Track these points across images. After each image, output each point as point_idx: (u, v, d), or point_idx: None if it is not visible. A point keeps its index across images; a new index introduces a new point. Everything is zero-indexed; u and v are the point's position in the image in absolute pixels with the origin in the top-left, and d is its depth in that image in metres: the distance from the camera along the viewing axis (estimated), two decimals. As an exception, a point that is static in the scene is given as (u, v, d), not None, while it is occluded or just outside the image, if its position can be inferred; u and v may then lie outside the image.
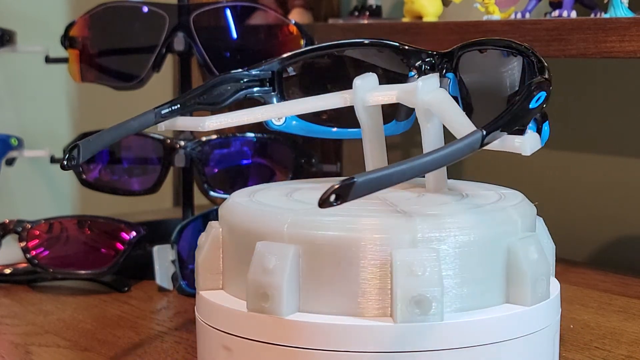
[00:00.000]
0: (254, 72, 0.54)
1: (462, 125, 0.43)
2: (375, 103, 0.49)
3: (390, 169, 0.37)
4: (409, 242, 0.41)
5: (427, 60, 0.50)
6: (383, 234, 0.41)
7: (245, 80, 0.54)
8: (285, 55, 0.54)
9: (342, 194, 0.36)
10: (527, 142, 0.42)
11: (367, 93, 0.49)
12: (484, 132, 0.40)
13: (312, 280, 0.41)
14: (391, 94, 0.48)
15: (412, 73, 0.50)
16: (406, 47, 0.51)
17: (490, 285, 0.42)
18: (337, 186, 0.36)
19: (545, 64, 0.44)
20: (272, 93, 0.54)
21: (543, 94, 0.42)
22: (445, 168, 0.47)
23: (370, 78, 0.49)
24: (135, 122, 0.50)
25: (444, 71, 0.49)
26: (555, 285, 0.46)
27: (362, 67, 0.53)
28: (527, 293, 0.42)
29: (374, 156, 0.50)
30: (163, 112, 0.51)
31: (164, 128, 0.51)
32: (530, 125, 0.42)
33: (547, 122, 0.43)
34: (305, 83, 0.54)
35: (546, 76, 0.43)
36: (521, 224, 0.44)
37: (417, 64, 0.50)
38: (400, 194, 0.47)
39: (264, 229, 0.43)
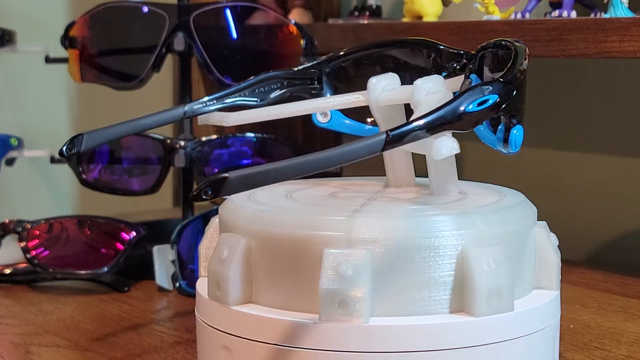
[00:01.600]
0: (300, 70, 0.54)
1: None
2: (387, 103, 0.49)
3: (267, 167, 0.38)
4: (346, 242, 0.41)
5: (459, 60, 0.50)
6: (317, 231, 0.41)
7: (291, 78, 0.54)
8: (332, 54, 0.54)
9: (215, 189, 0.36)
10: (439, 147, 0.41)
11: (381, 93, 0.48)
12: (389, 135, 0.39)
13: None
14: (401, 94, 0.48)
15: (444, 73, 0.50)
16: (441, 47, 0.51)
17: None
18: (210, 181, 0.36)
19: (521, 64, 0.43)
20: (320, 91, 0.54)
21: (492, 97, 0.41)
22: (450, 169, 0.46)
23: (389, 78, 0.49)
24: (165, 115, 0.50)
25: (468, 72, 0.49)
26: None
27: (402, 66, 0.52)
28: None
29: (393, 159, 0.50)
30: (195, 107, 0.51)
31: (200, 123, 0.52)
32: (499, 127, 0.42)
33: (518, 127, 0.42)
34: (350, 81, 0.55)
35: (505, 79, 0.42)
36: (485, 230, 0.43)
37: (448, 64, 0.50)
38: (402, 194, 0.48)
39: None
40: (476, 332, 0.41)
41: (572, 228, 0.81)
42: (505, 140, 0.42)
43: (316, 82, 0.54)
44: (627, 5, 0.63)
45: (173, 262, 0.65)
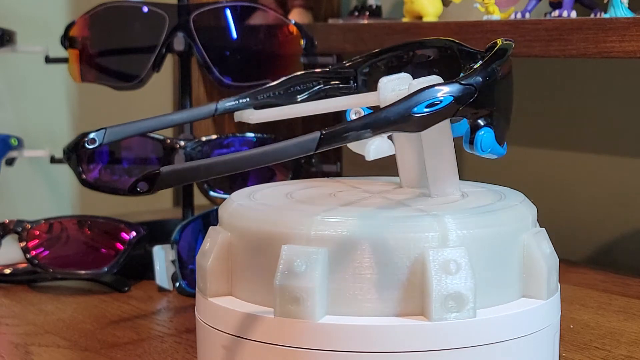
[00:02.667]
0: (335, 69, 0.54)
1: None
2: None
3: (198, 162, 0.38)
4: (305, 239, 0.41)
5: (475, 60, 0.49)
6: (279, 228, 0.42)
7: (326, 77, 0.54)
8: (367, 53, 0.54)
9: (149, 183, 0.38)
10: (369, 148, 0.41)
11: (390, 92, 0.48)
12: (322, 134, 0.39)
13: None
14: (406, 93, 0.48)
15: (462, 74, 0.50)
16: (463, 48, 0.50)
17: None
18: (144, 175, 0.37)
19: (493, 66, 0.43)
20: (355, 90, 0.54)
21: (447, 99, 0.41)
22: (448, 170, 0.46)
23: (399, 78, 0.48)
24: (196, 111, 0.51)
25: None
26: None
27: (429, 66, 0.52)
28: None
29: (403, 159, 0.49)
30: (227, 104, 0.51)
31: (236, 119, 0.53)
32: (466, 129, 0.42)
33: (486, 129, 0.42)
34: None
35: (465, 80, 0.42)
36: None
37: (468, 65, 0.50)
38: (397, 195, 0.48)
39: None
40: (475, 332, 0.41)
41: (572, 228, 0.81)
42: (471, 142, 0.42)
43: (351, 81, 0.54)
44: (627, 5, 0.63)
45: (173, 262, 0.65)
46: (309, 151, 0.39)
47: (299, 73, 0.54)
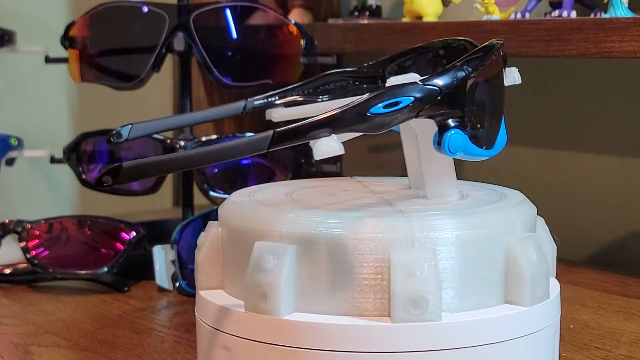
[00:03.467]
0: (363, 68, 0.54)
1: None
2: None
3: (157, 158, 0.40)
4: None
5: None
6: (255, 224, 0.43)
7: (354, 76, 0.54)
8: (396, 53, 0.54)
9: (112, 177, 0.39)
10: (316, 148, 0.40)
11: None
12: (275, 133, 0.39)
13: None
14: None
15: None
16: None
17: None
18: (109, 169, 0.39)
19: (462, 67, 0.42)
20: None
21: (406, 100, 0.41)
22: (445, 171, 0.46)
23: (407, 78, 0.48)
24: (223, 109, 0.51)
25: None
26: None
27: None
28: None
29: (411, 160, 0.49)
30: (255, 102, 0.51)
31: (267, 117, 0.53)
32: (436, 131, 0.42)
33: (456, 131, 0.42)
34: None
35: (428, 81, 0.41)
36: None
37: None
38: (399, 196, 0.48)
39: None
40: (475, 332, 0.41)
41: (572, 228, 0.81)
42: (439, 144, 0.42)
43: (379, 80, 0.54)
44: (627, 5, 0.63)
45: (173, 262, 0.65)
46: (262, 149, 0.40)
47: (328, 72, 0.53)
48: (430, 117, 0.41)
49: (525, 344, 0.42)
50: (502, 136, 0.45)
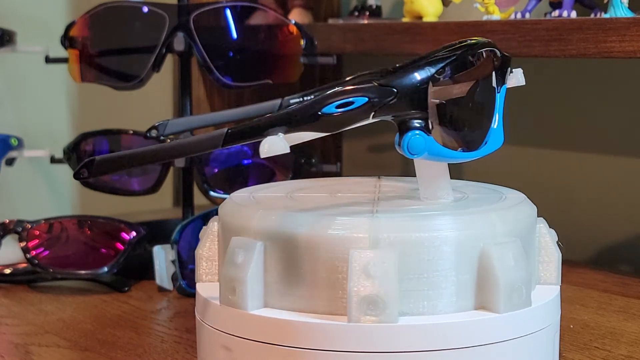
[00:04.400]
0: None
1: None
2: None
3: (123, 153, 0.43)
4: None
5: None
6: (235, 220, 0.44)
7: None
8: (424, 54, 0.53)
9: (88, 170, 0.42)
10: (264, 146, 0.41)
11: None
12: (228, 131, 0.40)
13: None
14: None
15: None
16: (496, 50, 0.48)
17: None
18: (84, 163, 0.42)
19: (423, 68, 0.42)
20: None
21: (359, 100, 0.41)
22: (438, 174, 0.46)
23: None
24: (259, 107, 0.51)
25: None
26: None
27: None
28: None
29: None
30: (291, 100, 0.52)
31: None
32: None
33: (417, 132, 0.41)
34: None
35: (384, 82, 0.41)
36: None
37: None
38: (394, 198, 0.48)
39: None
40: (475, 332, 0.41)
41: (572, 228, 0.81)
42: (398, 145, 0.42)
43: None
44: (627, 5, 0.63)
45: (173, 262, 0.65)
46: (217, 146, 0.41)
47: (360, 74, 0.53)
48: (389, 118, 0.41)
49: (525, 344, 0.42)
50: (495, 137, 0.44)
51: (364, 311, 0.40)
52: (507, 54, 0.45)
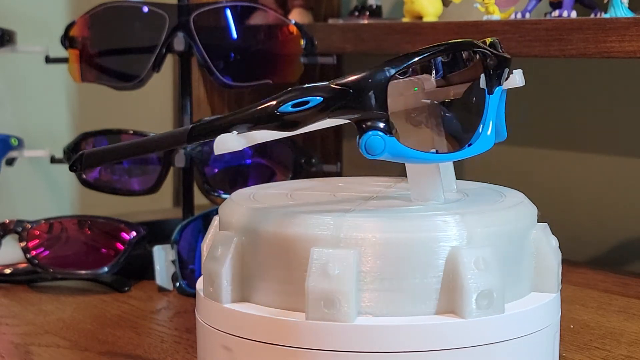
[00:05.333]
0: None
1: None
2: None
3: (104, 148, 0.47)
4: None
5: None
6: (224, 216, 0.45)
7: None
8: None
9: (80, 162, 0.45)
10: (217, 144, 0.42)
11: (397, 96, 0.47)
12: (192, 128, 0.42)
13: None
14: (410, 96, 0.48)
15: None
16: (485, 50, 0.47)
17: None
18: (78, 156, 0.45)
19: (381, 68, 0.41)
20: None
21: (314, 100, 0.41)
22: (428, 177, 0.45)
23: (409, 81, 0.47)
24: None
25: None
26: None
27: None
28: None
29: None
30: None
31: None
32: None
33: (374, 132, 0.41)
34: None
35: (339, 83, 0.41)
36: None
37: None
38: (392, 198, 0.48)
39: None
40: (475, 332, 0.41)
41: (572, 228, 0.81)
42: (358, 145, 0.42)
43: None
44: (627, 5, 0.63)
45: (173, 262, 0.65)
46: (182, 142, 0.43)
47: None
48: (346, 118, 0.41)
49: (525, 344, 0.42)
50: (485, 140, 0.44)
51: (320, 309, 0.40)
52: (501, 54, 0.44)
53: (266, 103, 0.41)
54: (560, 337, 0.46)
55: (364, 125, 0.41)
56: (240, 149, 0.41)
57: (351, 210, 0.43)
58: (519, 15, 0.69)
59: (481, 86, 0.44)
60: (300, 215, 0.42)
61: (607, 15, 0.63)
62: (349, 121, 0.42)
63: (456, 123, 0.44)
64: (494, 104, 0.44)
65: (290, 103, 0.41)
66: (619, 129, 0.79)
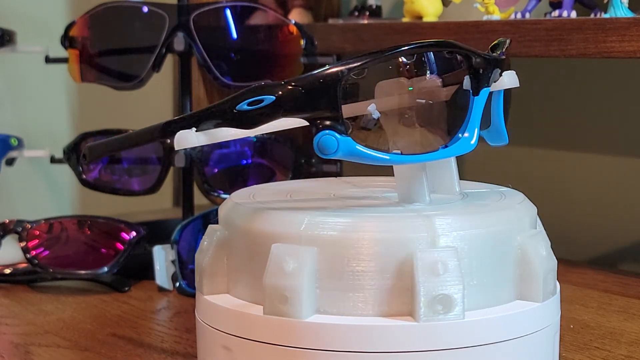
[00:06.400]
0: None
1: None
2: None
3: (101, 142, 0.47)
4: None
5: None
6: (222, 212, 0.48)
7: None
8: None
9: (85, 155, 0.47)
10: (177, 140, 0.42)
11: (385, 97, 0.47)
12: (164, 124, 0.43)
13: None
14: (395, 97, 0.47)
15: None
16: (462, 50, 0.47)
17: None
18: (86, 148, 0.47)
19: (334, 69, 0.41)
20: None
21: (268, 98, 0.41)
22: (416, 178, 0.45)
23: (397, 81, 0.46)
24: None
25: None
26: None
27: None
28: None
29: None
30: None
31: None
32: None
33: (327, 132, 0.41)
34: None
35: (290, 81, 0.41)
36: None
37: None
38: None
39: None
40: (475, 332, 0.41)
41: (572, 228, 0.81)
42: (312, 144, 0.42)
43: None
44: (627, 5, 0.63)
45: (173, 262, 0.65)
46: (156, 137, 0.44)
47: None
48: (300, 117, 0.42)
49: (525, 344, 0.42)
50: (463, 141, 0.43)
51: (275, 305, 0.41)
52: (486, 55, 0.44)
53: (226, 100, 0.42)
54: (560, 337, 0.46)
55: (316, 125, 0.41)
56: (199, 145, 0.42)
57: (325, 208, 0.44)
58: (519, 15, 0.69)
59: (465, 87, 0.44)
60: (268, 211, 0.43)
61: (607, 15, 0.63)
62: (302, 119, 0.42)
63: (439, 124, 0.44)
64: (480, 105, 0.44)
65: (246, 101, 0.41)
66: (619, 129, 0.79)
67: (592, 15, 0.67)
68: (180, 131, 0.42)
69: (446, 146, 0.43)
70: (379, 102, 0.44)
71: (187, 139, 0.42)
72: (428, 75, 0.44)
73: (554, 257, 0.44)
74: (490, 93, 0.45)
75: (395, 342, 0.40)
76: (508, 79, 0.45)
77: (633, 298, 0.64)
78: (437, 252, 0.40)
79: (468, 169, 0.85)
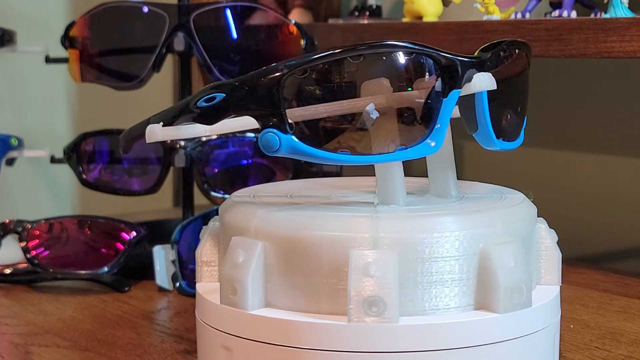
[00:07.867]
0: None
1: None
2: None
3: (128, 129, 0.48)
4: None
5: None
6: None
7: None
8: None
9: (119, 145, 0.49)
10: (147, 134, 0.44)
11: (368, 97, 0.47)
12: (149, 119, 0.45)
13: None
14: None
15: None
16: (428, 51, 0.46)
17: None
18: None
19: (277, 65, 0.42)
20: None
21: (219, 95, 0.42)
22: (394, 178, 0.45)
23: (379, 81, 0.46)
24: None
25: None
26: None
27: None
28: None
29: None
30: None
31: None
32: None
33: (268, 130, 0.42)
34: None
35: (240, 79, 0.42)
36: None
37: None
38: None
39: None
40: (475, 332, 0.41)
41: (572, 228, 0.81)
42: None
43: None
44: (627, 5, 0.64)
45: (173, 262, 0.65)
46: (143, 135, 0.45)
47: None
48: (248, 114, 0.42)
49: (525, 344, 0.42)
50: (424, 143, 0.43)
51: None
52: (452, 56, 0.43)
53: (193, 97, 0.43)
54: (560, 337, 0.46)
55: (261, 123, 0.42)
56: (166, 139, 0.45)
57: (283, 205, 0.45)
58: (519, 15, 0.69)
59: (436, 89, 0.43)
60: (241, 205, 0.45)
61: (607, 15, 0.63)
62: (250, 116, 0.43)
63: (411, 125, 0.44)
64: (449, 107, 0.43)
65: (203, 98, 0.42)
66: (619, 129, 0.79)
67: (592, 15, 0.67)
68: (150, 126, 0.44)
69: (406, 147, 0.43)
70: (336, 103, 0.43)
71: (155, 132, 0.44)
72: (396, 76, 0.43)
73: (529, 269, 0.43)
74: (472, 96, 0.44)
75: (326, 340, 0.41)
76: (480, 81, 0.44)
77: (633, 298, 0.64)
78: (374, 254, 0.40)
79: (468, 169, 0.85)
